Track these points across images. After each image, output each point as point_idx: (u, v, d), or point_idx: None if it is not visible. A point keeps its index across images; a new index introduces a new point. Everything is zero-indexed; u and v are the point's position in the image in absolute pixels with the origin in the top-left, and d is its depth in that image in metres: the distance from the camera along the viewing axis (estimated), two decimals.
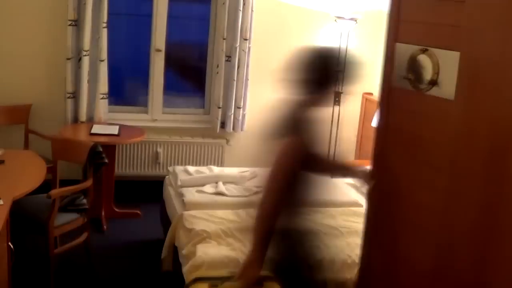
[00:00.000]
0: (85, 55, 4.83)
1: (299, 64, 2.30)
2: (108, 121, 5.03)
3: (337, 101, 5.46)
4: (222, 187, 4.11)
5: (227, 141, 5.49)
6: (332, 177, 2.51)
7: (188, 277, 3.02)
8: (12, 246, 3.11)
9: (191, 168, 4.47)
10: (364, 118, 5.65)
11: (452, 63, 1.91)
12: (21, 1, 4.86)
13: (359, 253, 2.52)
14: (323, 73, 2.32)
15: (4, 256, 2.99)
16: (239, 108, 5.31)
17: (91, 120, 4.97)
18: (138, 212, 4.90)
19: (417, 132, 2.09)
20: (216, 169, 4.54)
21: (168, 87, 5.48)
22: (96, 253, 4.07)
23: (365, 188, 2.53)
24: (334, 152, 5.62)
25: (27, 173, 3.52)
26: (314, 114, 2.29)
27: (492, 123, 1.76)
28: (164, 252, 3.64)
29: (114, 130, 4.67)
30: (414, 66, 2.11)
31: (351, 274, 3.14)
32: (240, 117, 5.34)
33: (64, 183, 3.90)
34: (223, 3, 5.12)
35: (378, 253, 2.30)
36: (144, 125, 5.21)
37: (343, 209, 3.93)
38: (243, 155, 5.56)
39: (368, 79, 5.76)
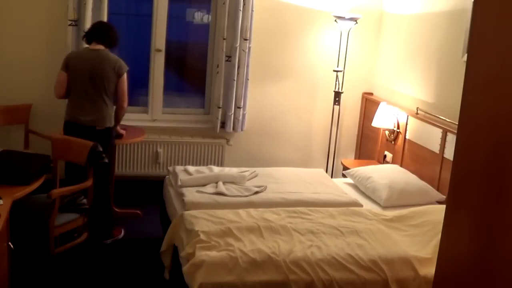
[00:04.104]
0: None
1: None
2: None
3: (337, 101, 5.47)
4: (222, 187, 4.11)
5: (227, 141, 5.49)
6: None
7: (190, 279, 3.02)
8: (12, 246, 3.12)
9: (191, 168, 4.47)
10: (364, 118, 5.66)
11: None
12: (21, 1, 4.86)
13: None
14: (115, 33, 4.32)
15: (4, 256, 2.99)
16: (239, 108, 5.31)
17: None
18: (138, 212, 4.90)
19: None
20: (216, 169, 4.54)
21: (168, 87, 5.48)
22: (96, 253, 4.08)
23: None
24: (335, 151, 5.66)
25: None
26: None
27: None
28: (163, 247, 3.65)
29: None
30: None
31: (352, 273, 3.14)
32: (240, 117, 5.34)
33: (64, 183, 3.90)
34: (223, 3, 5.12)
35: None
36: (144, 125, 5.21)
37: (343, 209, 3.93)
38: (243, 155, 5.56)
39: (368, 79, 5.84)
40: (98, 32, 4.20)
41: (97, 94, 4.13)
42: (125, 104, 4.25)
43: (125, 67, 4.18)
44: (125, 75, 4.19)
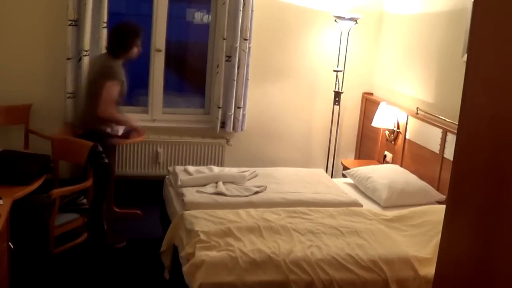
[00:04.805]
0: (85, 55, 4.83)
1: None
2: None
3: (337, 101, 5.47)
4: (222, 187, 4.11)
5: (227, 141, 5.49)
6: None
7: (190, 279, 3.02)
8: (12, 246, 3.11)
9: (191, 168, 4.47)
10: (364, 118, 5.66)
11: None
12: (21, 1, 4.86)
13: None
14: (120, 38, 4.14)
15: (4, 256, 2.99)
16: (239, 108, 5.31)
17: None
18: (138, 212, 4.90)
19: None
20: (216, 169, 4.54)
21: (168, 87, 5.48)
22: (96, 253, 4.07)
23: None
24: (335, 151, 5.66)
25: None
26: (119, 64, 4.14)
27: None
28: (163, 246, 3.65)
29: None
30: None
31: (352, 273, 3.14)
32: (240, 117, 5.34)
33: (64, 183, 3.90)
34: (223, 3, 5.12)
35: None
36: (144, 125, 5.20)
37: (343, 209, 3.93)
38: (243, 155, 5.56)
39: (368, 79, 5.84)
40: (108, 37, 4.39)
41: (87, 98, 4.24)
42: (101, 113, 4.04)
43: (111, 76, 4.02)
44: (110, 83, 4.01)
